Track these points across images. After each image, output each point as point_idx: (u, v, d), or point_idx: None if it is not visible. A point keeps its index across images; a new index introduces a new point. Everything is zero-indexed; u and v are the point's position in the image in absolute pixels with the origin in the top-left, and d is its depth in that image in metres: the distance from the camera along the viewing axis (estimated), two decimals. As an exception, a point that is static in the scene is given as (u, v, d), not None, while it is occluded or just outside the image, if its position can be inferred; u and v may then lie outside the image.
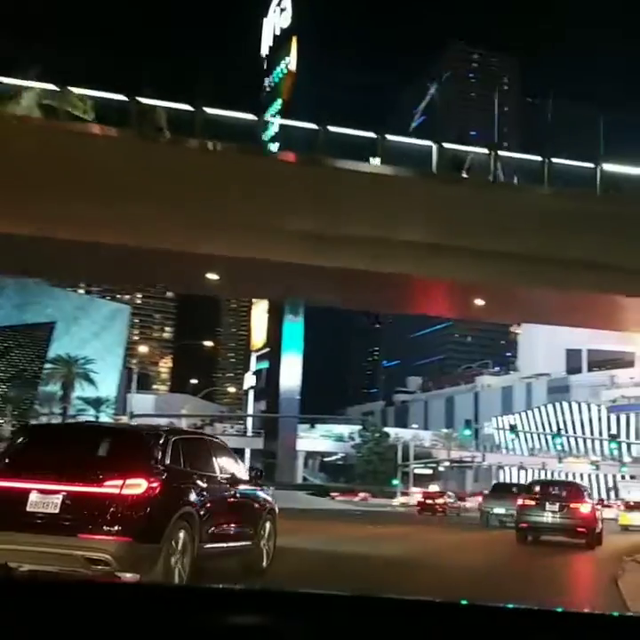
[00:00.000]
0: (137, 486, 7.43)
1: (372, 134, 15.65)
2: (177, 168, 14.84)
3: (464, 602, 1.51)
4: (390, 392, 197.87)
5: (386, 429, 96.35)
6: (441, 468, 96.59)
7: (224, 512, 9.09)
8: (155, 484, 7.60)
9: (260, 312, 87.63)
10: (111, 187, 14.62)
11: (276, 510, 10.90)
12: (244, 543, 9.63)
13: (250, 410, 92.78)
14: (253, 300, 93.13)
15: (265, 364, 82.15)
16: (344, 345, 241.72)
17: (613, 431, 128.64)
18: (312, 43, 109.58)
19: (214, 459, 9.31)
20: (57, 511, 7.33)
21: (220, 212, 14.75)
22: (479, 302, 18.41)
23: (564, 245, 15.83)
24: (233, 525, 9.36)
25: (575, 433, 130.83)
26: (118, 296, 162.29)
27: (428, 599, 1.54)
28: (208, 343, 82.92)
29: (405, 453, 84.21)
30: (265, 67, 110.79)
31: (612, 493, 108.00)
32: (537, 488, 21.91)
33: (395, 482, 78.13)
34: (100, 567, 7.13)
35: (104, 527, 7.26)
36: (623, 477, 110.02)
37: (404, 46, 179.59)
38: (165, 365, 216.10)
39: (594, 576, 11.61)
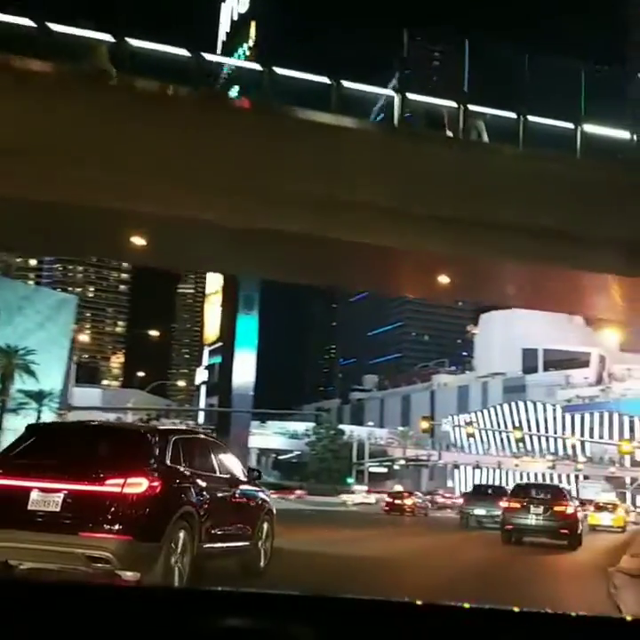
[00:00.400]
0: (138, 485, 7.46)
1: (325, 80, 13.58)
2: (105, 112, 12.63)
3: (467, 605, 1.52)
4: (347, 390, 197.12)
5: (341, 427, 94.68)
6: (396, 467, 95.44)
7: (223, 512, 9.13)
8: (155, 484, 7.62)
9: (213, 305, 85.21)
10: (20, 133, 12.35)
11: (274, 511, 10.99)
12: (242, 543, 9.67)
13: (202, 405, 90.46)
14: (207, 292, 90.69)
15: (218, 359, 79.75)
16: (300, 342, 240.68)
17: (568, 431, 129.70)
18: (272, 30, 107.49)
19: (214, 458, 9.38)
20: (58, 509, 7.37)
21: (146, 161, 12.58)
22: (444, 279, 16.50)
23: (539, 214, 14.00)
24: (232, 525, 9.40)
25: (531, 434, 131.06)
26: (70, 288, 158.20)
27: (431, 602, 1.55)
28: (154, 333, 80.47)
29: (360, 451, 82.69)
30: (222, 53, 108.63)
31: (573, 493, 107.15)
32: (522, 491, 22.91)
33: (349, 480, 76.60)
34: (100, 565, 7.19)
35: (105, 525, 7.32)
36: (584, 477, 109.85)
37: (367, 38, 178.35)
38: (117, 361, 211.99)
39: (586, 595, 9.74)
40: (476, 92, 14.75)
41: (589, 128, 14.95)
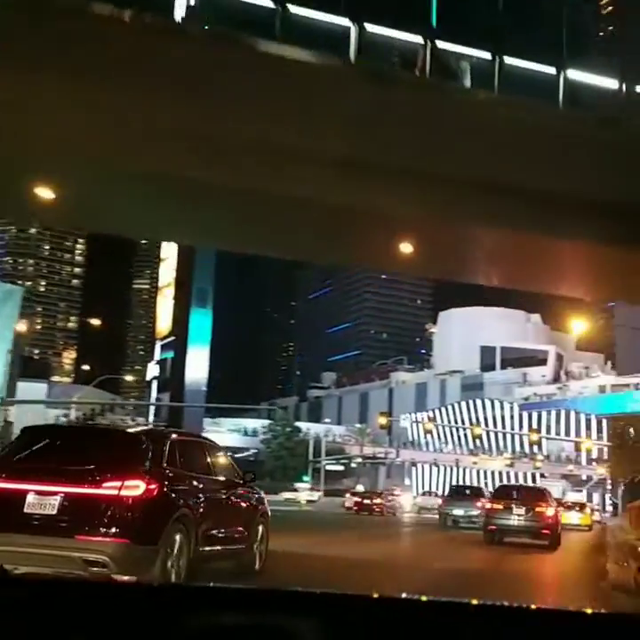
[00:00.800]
0: (135, 488, 7.42)
1: (269, 3, 11.35)
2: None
3: (474, 601, 1.52)
4: (305, 388, 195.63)
5: (298, 424, 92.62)
6: (353, 465, 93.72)
7: (219, 514, 9.10)
8: (152, 486, 7.58)
9: (165, 298, 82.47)
10: None
11: (269, 513, 11.00)
12: (238, 546, 9.66)
13: (152, 401, 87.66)
14: (159, 285, 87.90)
15: (170, 354, 77.08)
16: (257, 339, 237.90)
17: (525, 429, 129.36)
18: None
19: (210, 461, 9.35)
20: (54, 512, 7.32)
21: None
22: (407, 248, 14.46)
23: (515, 172, 12.06)
24: (228, 528, 9.37)
25: (488, 431, 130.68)
26: (20, 282, 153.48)
27: (432, 599, 1.58)
28: (100, 324, 77.49)
29: (317, 449, 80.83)
30: None
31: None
32: (505, 492, 23.78)
33: (305, 478, 74.70)
34: (97, 569, 7.11)
35: (101, 529, 7.28)
36: (541, 475, 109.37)
37: None
38: (69, 356, 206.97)
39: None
40: (447, 27, 12.68)
41: (574, 75, 13.06)
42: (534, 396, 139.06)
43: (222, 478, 9.57)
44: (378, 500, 45.51)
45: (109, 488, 7.35)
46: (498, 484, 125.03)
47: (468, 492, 34.14)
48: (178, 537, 7.85)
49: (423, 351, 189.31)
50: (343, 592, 1.55)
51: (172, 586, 2.77)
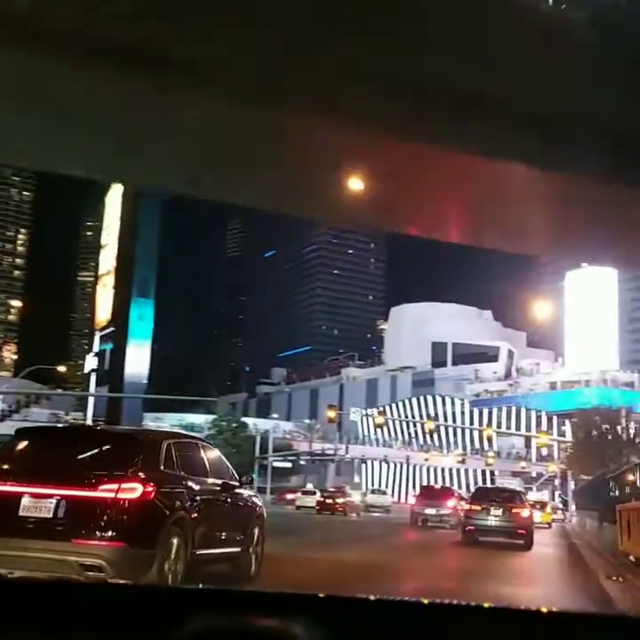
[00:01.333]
0: (132, 491, 7.36)
1: None
2: None
3: (471, 603, 1.55)
4: (254, 384, 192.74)
5: (244, 419, 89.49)
6: (302, 462, 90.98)
7: (216, 517, 9.04)
8: (150, 489, 7.50)
9: (105, 287, 78.51)
10: None
11: (265, 515, 10.90)
12: (234, 549, 9.61)
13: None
14: (99, 273, 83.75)
15: (109, 345, 73.30)
16: (204, 334, 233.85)
17: (476, 425, 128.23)
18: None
19: (206, 463, 9.23)
20: (50, 516, 7.25)
21: None
22: (356, 184, 11.57)
23: (495, 80, 9.21)
24: (225, 531, 9.34)
25: (439, 428, 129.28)
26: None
27: (432, 601, 1.58)
28: (17, 303, 73.25)
29: (264, 445, 77.89)
30: None
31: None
32: (482, 494, 24.49)
33: (252, 475, 71.37)
34: (93, 573, 7.03)
35: (98, 532, 7.21)
36: (491, 473, 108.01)
37: None
38: (9, 351, 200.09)
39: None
40: None
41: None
42: (485, 393, 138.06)
43: (219, 480, 9.42)
44: (341, 500, 44.46)
45: (106, 491, 7.27)
46: (448, 481, 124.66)
47: (439, 492, 35.10)
48: (175, 540, 7.75)
49: (374, 348, 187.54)
50: (341, 594, 1.56)
51: (170, 589, 2.69)
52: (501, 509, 21.38)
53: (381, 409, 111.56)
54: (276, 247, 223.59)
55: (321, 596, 1.55)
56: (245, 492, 10.48)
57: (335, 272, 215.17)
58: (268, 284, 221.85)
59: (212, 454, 9.70)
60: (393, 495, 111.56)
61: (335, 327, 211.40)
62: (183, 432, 12.23)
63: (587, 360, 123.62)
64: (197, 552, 8.23)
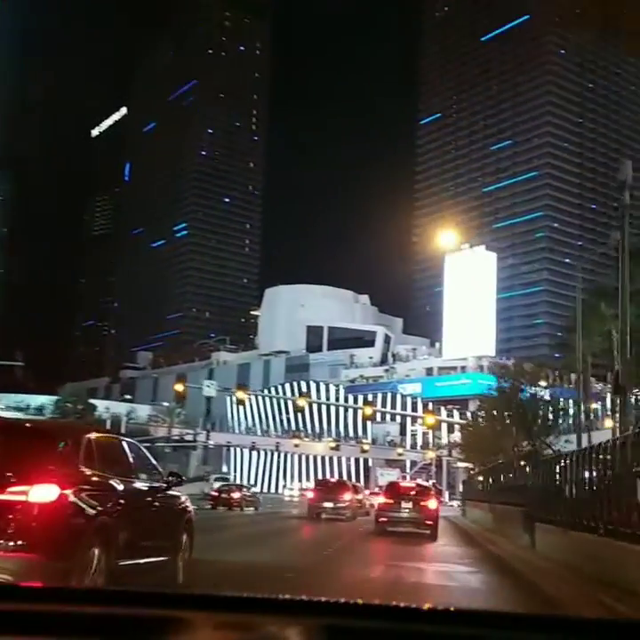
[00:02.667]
0: (46, 493, 6.52)
1: None
2: None
3: (466, 608, 1.68)
4: (118, 368, 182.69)
5: (93, 402, 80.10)
6: (166, 450, 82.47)
7: (142, 523, 8.26)
8: (67, 492, 6.69)
9: None
10: None
11: (193, 519, 10.22)
12: (161, 558, 8.81)
13: None
14: None
15: None
16: (66, 315, 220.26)
17: (350, 413, 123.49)
18: None
19: (131, 462, 8.44)
20: None
21: None
22: None
23: None
24: (151, 538, 8.53)
25: (313, 414, 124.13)
26: None
27: (427, 607, 1.60)
28: None
29: (116, 430, 69.01)
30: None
31: (366, 479, 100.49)
32: (394, 488, 25.53)
33: (183, 476, 62.85)
34: None
35: (5, 542, 6.36)
36: (364, 461, 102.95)
37: None
38: None
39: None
40: None
41: None
42: (361, 379, 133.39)
43: (145, 481, 8.65)
44: (237, 495, 43.63)
45: (15, 493, 6.44)
46: (321, 469, 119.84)
47: (335, 485, 36.46)
48: (95, 550, 6.93)
49: (248, 334, 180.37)
50: (337, 600, 1.57)
51: (164, 593, 2.18)
52: (411, 502, 23.24)
53: (248, 402, 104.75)
54: (144, 224, 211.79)
55: (316, 600, 1.54)
56: (174, 494, 9.61)
57: (207, 253, 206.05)
58: (139, 265, 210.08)
59: (136, 452, 8.68)
60: (260, 485, 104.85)
61: (207, 310, 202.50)
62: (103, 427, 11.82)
63: (463, 345, 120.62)
64: (120, 563, 7.34)
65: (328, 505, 32.44)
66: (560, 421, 36.38)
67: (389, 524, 23.14)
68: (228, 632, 1.42)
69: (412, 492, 24.27)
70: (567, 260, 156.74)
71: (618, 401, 37.68)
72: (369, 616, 1.50)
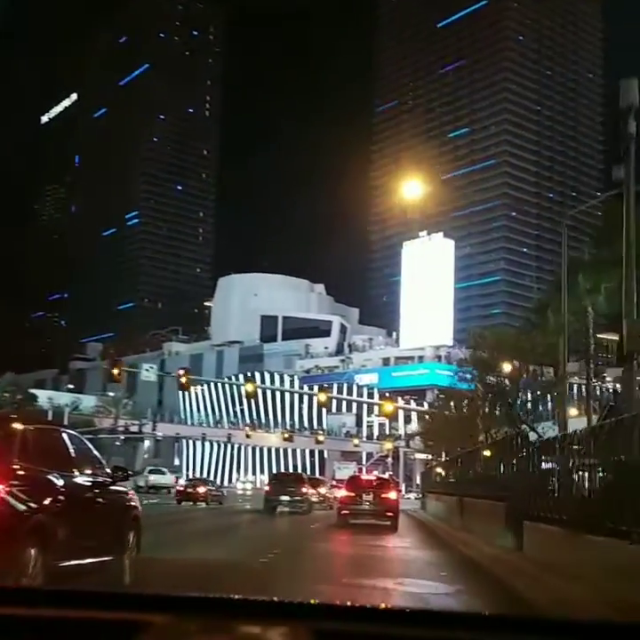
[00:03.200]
0: None
1: None
2: None
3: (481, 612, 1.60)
4: (67, 359, 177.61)
5: (34, 391, 76.08)
6: (116, 443, 78.71)
7: (83, 521, 7.65)
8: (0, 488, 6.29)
9: None
10: None
11: (140, 516, 9.53)
12: (105, 558, 8.16)
13: None
14: None
15: None
16: (14, 308, 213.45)
17: (306, 404, 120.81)
18: None
19: (71, 455, 7.83)
20: None
21: None
22: None
23: None
24: (94, 537, 7.93)
25: (267, 404, 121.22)
26: None
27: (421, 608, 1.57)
28: None
29: (58, 421, 65.24)
30: None
31: (322, 471, 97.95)
32: (355, 482, 26.34)
33: (130, 470, 59.44)
34: None
35: None
36: (319, 452, 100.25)
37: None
38: None
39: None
40: None
41: None
42: (316, 369, 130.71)
43: (87, 476, 8.07)
44: (202, 489, 43.09)
45: None
46: (275, 462, 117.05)
47: (291, 479, 36.39)
48: (32, 551, 6.45)
49: (202, 324, 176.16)
50: (324, 602, 1.55)
51: (150, 595, 2.08)
52: (372, 495, 23.90)
53: (201, 394, 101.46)
54: (95, 212, 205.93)
55: (302, 602, 1.54)
56: (119, 489, 9.01)
57: (159, 242, 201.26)
58: (90, 255, 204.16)
59: (78, 444, 8.09)
60: (214, 478, 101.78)
61: (160, 301, 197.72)
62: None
63: (421, 335, 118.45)
64: (60, 564, 6.81)
65: (285, 498, 32.28)
66: (539, 406, 34.31)
67: (351, 516, 23.82)
68: (211, 636, 1.37)
69: (374, 485, 24.98)
70: (524, 250, 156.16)
71: (585, 388, 35.72)
72: (358, 619, 1.47)
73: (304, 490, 33.41)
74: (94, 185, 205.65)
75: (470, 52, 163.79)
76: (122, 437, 78.39)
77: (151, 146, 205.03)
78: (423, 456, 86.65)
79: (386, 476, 40.17)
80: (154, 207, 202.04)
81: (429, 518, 30.05)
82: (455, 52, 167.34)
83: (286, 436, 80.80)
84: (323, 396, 43.40)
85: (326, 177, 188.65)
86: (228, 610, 1.51)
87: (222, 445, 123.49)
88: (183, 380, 35.48)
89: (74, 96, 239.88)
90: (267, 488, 36.00)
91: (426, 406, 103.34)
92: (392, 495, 24.20)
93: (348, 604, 1.52)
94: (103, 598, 1.67)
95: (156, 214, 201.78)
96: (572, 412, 50.43)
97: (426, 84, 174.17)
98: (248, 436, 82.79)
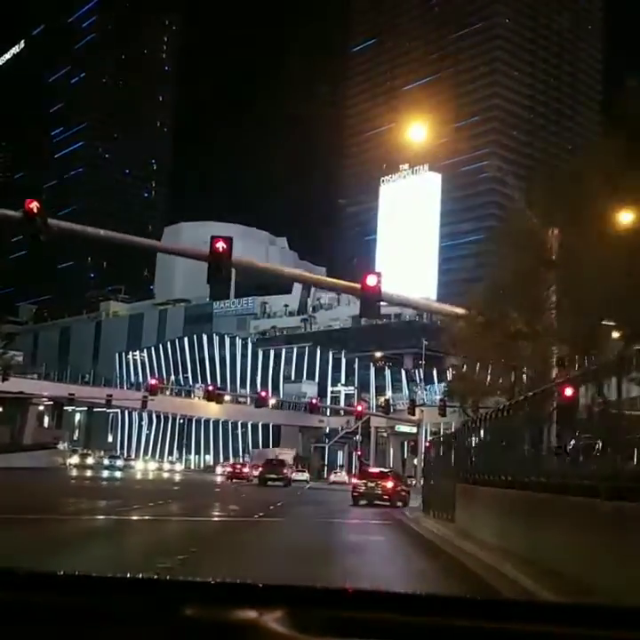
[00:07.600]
0: None
1: None
2: None
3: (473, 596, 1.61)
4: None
5: None
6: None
7: None
8: None
9: None
10: None
11: None
12: None
13: None
14: None
15: None
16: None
17: (260, 370, 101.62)
18: None
19: None
20: None
21: None
22: None
23: None
24: None
25: (214, 370, 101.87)
26: None
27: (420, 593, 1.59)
28: None
29: None
30: None
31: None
32: (365, 472, 38.01)
33: None
34: None
35: None
36: (270, 425, 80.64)
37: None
38: None
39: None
40: None
41: None
42: (273, 330, 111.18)
43: None
44: (246, 470, 58.62)
45: None
46: (222, 440, 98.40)
47: (275, 462, 53.34)
48: None
49: (151, 286, 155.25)
50: (317, 585, 1.59)
51: (141, 580, 2.22)
52: (375, 482, 33.79)
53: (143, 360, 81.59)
54: (40, 166, 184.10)
55: (296, 586, 1.55)
56: None
57: (108, 195, 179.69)
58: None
59: None
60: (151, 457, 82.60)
61: (104, 260, 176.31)
62: None
63: (400, 289, 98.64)
64: None
65: (271, 475, 49.16)
66: None
67: (360, 497, 33.20)
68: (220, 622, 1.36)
69: (377, 476, 35.17)
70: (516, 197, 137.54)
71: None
72: (343, 601, 1.48)
73: (285, 470, 51.41)
74: (42, 132, 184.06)
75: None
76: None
77: (104, 90, 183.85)
78: (407, 429, 68.22)
79: (386, 469, 42.44)
80: (101, 155, 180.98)
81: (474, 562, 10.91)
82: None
83: (228, 401, 61.33)
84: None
85: (296, 126, 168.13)
86: (217, 594, 1.52)
87: (163, 420, 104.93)
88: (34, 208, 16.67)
89: (22, 43, 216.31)
90: (261, 469, 52.09)
91: (404, 373, 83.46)
92: (389, 484, 33.94)
93: (335, 587, 1.55)
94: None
95: (101, 162, 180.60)
96: None
97: (407, 22, 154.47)
98: (152, 400, 61.12)
